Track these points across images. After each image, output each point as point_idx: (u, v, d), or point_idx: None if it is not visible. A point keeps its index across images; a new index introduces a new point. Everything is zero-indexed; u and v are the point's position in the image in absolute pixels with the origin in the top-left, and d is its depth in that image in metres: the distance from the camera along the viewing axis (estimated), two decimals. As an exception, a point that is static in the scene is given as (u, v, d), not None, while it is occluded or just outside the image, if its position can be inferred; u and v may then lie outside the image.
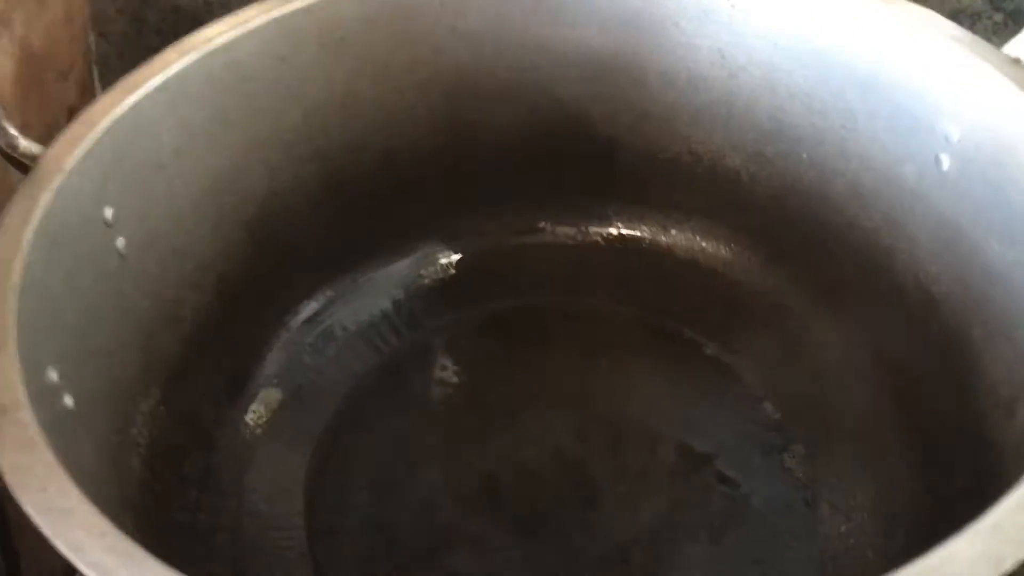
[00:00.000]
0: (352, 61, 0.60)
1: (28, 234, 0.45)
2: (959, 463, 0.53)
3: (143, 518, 0.51)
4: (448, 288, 0.69)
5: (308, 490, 0.59)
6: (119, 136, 0.52)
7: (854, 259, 0.62)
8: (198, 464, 0.59)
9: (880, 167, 0.59)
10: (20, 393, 0.38)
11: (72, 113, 0.57)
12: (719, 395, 0.62)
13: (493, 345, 0.66)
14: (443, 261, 0.69)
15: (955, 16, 0.67)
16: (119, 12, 0.81)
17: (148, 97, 0.53)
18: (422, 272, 0.68)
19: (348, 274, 0.66)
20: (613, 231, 0.71)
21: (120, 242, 0.53)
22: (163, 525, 0.53)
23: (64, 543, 0.33)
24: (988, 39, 0.53)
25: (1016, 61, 0.50)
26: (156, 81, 0.53)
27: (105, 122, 0.51)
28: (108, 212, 0.52)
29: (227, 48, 0.56)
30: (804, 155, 0.63)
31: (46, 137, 0.50)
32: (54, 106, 0.68)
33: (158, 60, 0.55)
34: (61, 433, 0.40)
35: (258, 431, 0.62)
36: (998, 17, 0.71)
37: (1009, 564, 0.31)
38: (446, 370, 0.65)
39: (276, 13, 0.57)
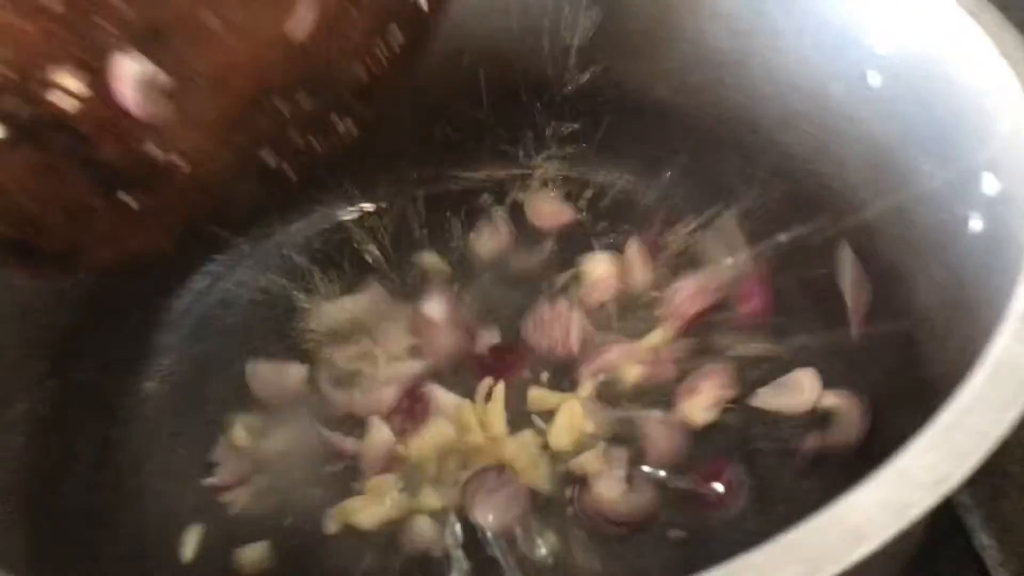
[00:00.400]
0: None
1: None
2: (898, 399, 0.50)
3: (28, 504, 0.47)
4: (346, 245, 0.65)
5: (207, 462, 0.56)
6: None
7: (788, 187, 0.58)
8: (93, 441, 0.56)
9: (808, 88, 0.55)
10: None
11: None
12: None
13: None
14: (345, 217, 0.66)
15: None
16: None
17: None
18: (315, 233, 0.65)
19: (244, 238, 0.62)
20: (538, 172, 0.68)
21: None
22: (55, 510, 0.50)
23: None
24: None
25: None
26: None
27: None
28: None
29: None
30: (729, 80, 0.59)
31: None
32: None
33: None
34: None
35: (157, 402, 0.59)
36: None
37: (916, 512, 0.28)
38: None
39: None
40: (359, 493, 0.55)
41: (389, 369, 0.59)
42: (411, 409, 0.58)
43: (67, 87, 0.37)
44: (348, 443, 0.56)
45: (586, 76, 0.62)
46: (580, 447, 0.56)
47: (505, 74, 0.64)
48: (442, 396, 0.58)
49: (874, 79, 0.50)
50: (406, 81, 0.47)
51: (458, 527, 0.53)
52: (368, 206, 0.67)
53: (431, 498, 0.54)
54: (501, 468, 0.54)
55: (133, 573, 0.52)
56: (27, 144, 0.37)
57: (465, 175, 0.68)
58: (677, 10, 0.59)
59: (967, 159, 0.43)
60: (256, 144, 0.44)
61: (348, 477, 0.56)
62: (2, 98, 0.36)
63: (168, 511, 0.55)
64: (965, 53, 0.43)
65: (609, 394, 0.58)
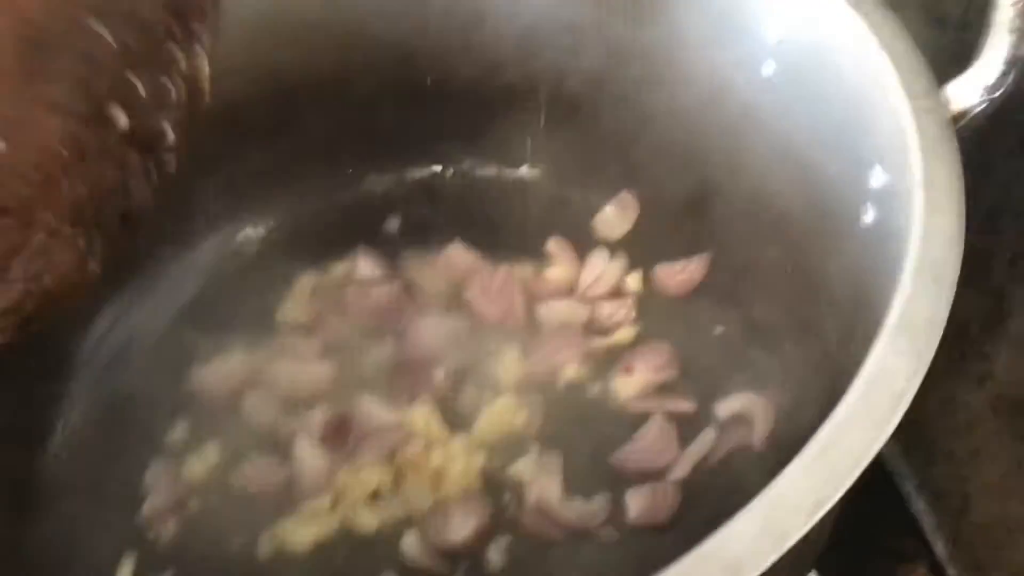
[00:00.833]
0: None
1: None
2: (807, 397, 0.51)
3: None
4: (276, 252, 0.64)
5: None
6: None
7: (703, 180, 0.58)
8: (17, 475, 0.55)
9: (709, 79, 0.55)
10: None
11: None
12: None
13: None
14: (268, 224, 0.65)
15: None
16: None
17: None
18: (245, 239, 0.64)
19: (164, 253, 0.61)
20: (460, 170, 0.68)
21: None
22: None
23: None
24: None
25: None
26: None
27: None
28: None
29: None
30: (634, 73, 0.58)
31: None
32: None
33: None
34: None
35: (81, 435, 0.58)
36: None
37: (794, 537, 0.28)
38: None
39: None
40: (293, 516, 0.55)
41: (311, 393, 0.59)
42: (339, 428, 0.58)
43: None
44: (279, 468, 0.56)
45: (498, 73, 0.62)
46: (512, 448, 0.57)
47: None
48: (371, 411, 0.58)
49: (769, 68, 0.50)
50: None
51: (403, 543, 0.53)
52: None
53: (367, 517, 0.55)
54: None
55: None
56: None
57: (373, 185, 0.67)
58: (576, 4, 0.58)
59: (858, 150, 0.43)
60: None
61: (281, 500, 0.56)
62: None
63: (99, 544, 0.54)
64: (849, 45, 0.43)
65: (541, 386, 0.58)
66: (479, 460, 0.56)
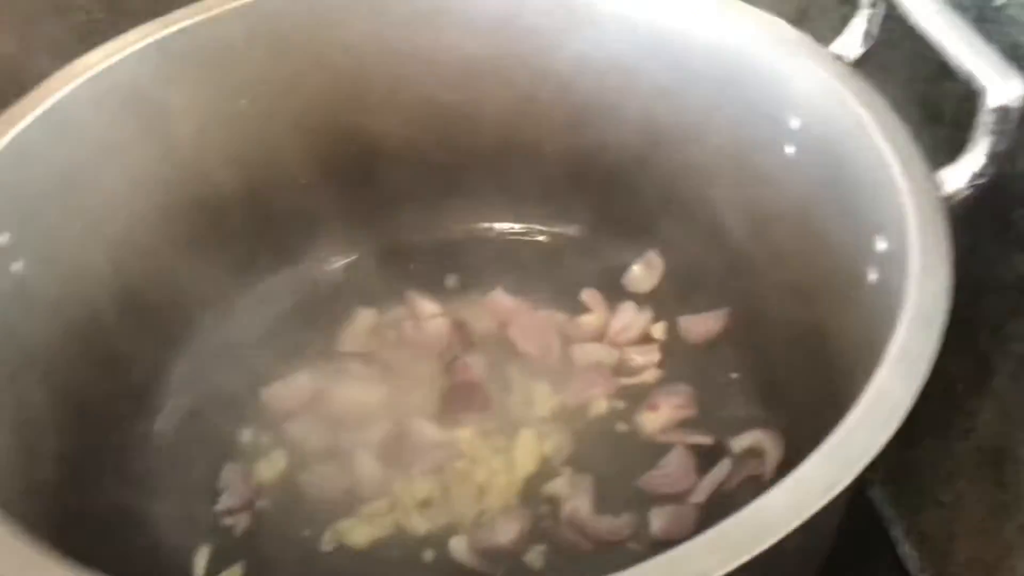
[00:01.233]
0: (234, 79, 0.63)
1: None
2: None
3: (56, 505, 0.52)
4: (343, 289, 0.72)
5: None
6: (8, 164, 0.54)
7: (726, 243, 0.67)
8: (113, 466, 0.62)
9: (736, 158, 0.63)
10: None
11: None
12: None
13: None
14: (338, 264, 0.73)
15: (804, 10, 0.72)
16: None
17: (35, 125, 0.55)
18: (317, 276, 0.72)
19: (246, 283, 0.69)
20: (509, 226, 0.76)
21: (17, 266, 0.54)
22: (79, 516, 0.55)
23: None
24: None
25: (838, 58, 0.55)
26: (41, 109, 0.55)
27: (-5, 151, 0.53)
28: (3, 238, 0.53)
29: (111, 71, 0.58)
30: (668, 149, 0.67)
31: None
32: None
33: (43, 87, 0.57)
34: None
35: (167, 441, 0.65)
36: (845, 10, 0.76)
37: (812, 509, 0.36)
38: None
39: (156, 36, 0.59)
40: (352, 517, 0.62)
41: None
42: (395, 444, 0.65)
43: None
44: (340, 475, 0.64)
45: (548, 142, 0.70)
46: (548, 470, 0.64)
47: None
48: (423, 430, 0.66)
49: (790, 149, 0.59)
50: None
51: (451, 544, 0.60)
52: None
53: (418, 521, 0.62)
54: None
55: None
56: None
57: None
58: (622, 89, 0.67)
59: (864, 221, 0.52)
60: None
61: (342, 503, 0.63)
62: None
63: (180, 532, 0.61)
64: (858, 134, 0.52)
65: (574, 417, 0.66)
66: (519, 477, 0.64)
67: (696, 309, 0.70)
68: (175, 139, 0.62)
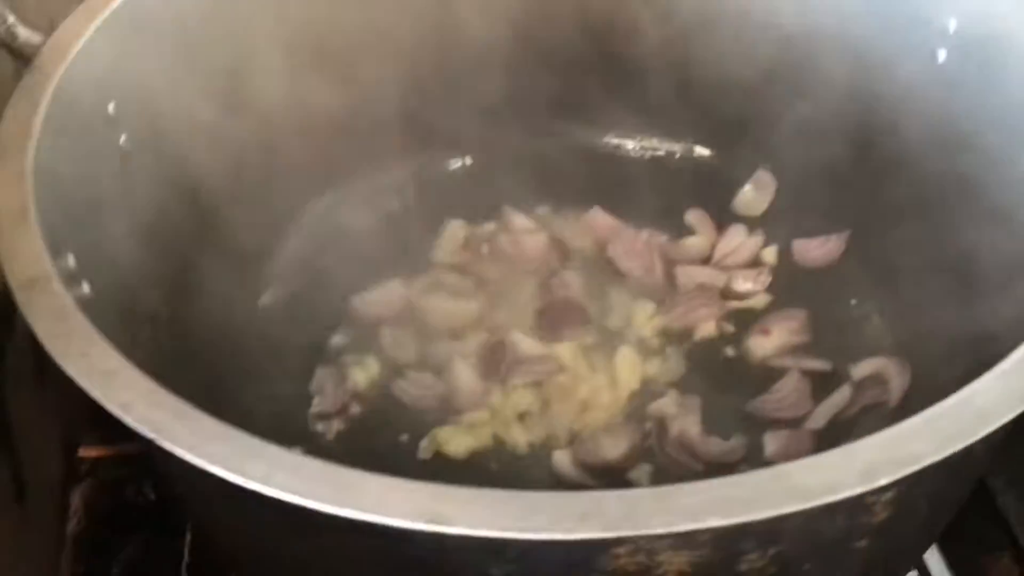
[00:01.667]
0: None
1: (37, 121, 0.45)
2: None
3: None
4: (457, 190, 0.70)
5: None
6: (119, 30, 0.51)
7: (847, 159, 0.63)
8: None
9: (875, 66, 0.60)
10: (48, 265, 0.38)
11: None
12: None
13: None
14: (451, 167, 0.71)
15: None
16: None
17: (147, -9, 0.52)
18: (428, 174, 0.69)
19: (356, 174, 0.67)
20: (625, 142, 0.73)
21: (123, 138, 0.52)
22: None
23: (111, 402, 0.33)
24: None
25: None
26: (155, -25, 0.53)
27: (105, 14, 0.50)
28: (111, 107, 0.51)
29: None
30: (796, 57, 0.64)
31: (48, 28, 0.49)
32: None
33: (157, -45, 0.54)
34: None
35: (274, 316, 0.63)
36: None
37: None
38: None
39: None
40: (450, 425, 0.59)
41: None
42: (493, 354, 0.62)
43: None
44: (436, 383, 0.61)
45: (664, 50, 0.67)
46: (651, 391, 0.61)
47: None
48: (521, 343, 0.63)
49: (942, 56, 0.55)
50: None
51: (554, 459, 0.57)
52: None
53: (518, 434, 0.59)
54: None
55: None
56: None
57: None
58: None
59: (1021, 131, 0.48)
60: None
61: (438, 412, 0.60)
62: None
63: (272, 434, 0.59)
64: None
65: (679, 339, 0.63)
66: (623, 394, 0.61)
67: (811, 232, 0.67)
68: (285, 22, 0.59)
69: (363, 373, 0.62)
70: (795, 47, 0.63)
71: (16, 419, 0.58)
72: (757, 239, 0.68)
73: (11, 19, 0.48)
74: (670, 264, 0.68)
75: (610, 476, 0.57)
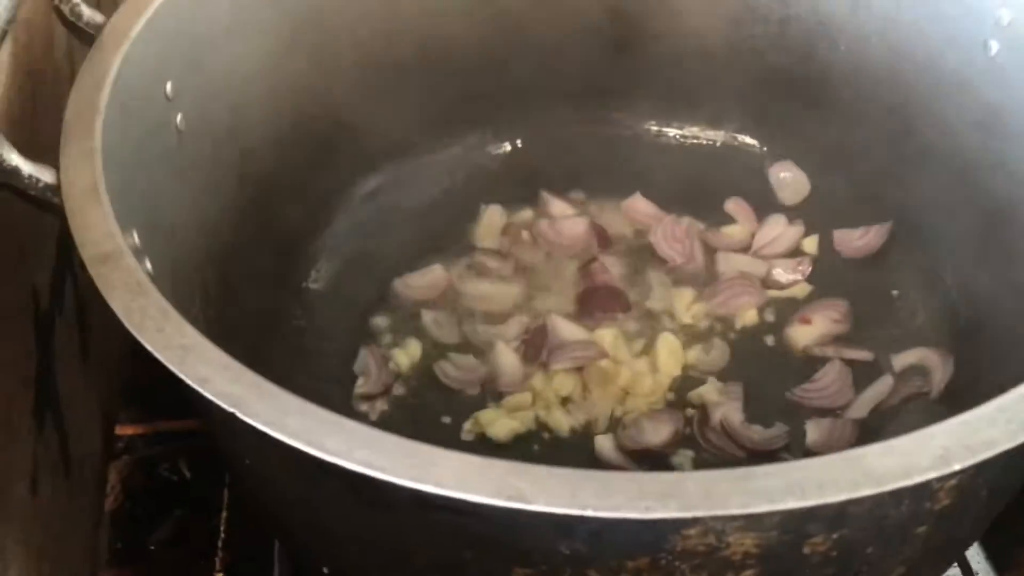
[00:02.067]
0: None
1: (102, 99, 0.45)
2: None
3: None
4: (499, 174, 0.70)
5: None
6: (177, 9, 0.52)
7: (895, 149, 0.63)
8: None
9: (921, 56, 0.59)
10: (120, 241, 0.38)
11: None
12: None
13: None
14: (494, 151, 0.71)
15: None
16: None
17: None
18: (469, 160, 0.70)
19: (400, 158, 0.67)
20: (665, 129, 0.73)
21: (179, 118, 0.52)
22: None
23: (190, 376, 0.33)
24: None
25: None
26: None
27: (164, -5, 0.51)
28: (168, 86, 0.51)
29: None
30: (843, 48, 0.64)
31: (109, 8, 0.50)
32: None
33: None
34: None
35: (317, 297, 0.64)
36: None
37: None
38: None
39: None
40: (493, 408, 0.60)
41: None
42: (535, 338, 0.63)
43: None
44: (478, 366, 0.62)
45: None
46: (692, 377, 0.61)
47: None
48: (562, 327, 0.63)
49: (994, 47, 0.55)
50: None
51: (596, 443, 0.58)
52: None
53: (560, 418, 0.59)
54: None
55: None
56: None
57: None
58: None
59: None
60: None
61: (481, 395, 0.61)
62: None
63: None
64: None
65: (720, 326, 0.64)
66: (664, 381, 0.61)
67: (852, 223, 0.67)
68: (329, 6, 0.60)
69: (405, 355, 0.63)
70: (843, 38, 0.63)
71: (63, 395, 0.59)
72: (797, 229, 0.68)
73: (75, -2, 0.48)
74: (710, 251, 0.68)
75: (651, 461, 0.57)
